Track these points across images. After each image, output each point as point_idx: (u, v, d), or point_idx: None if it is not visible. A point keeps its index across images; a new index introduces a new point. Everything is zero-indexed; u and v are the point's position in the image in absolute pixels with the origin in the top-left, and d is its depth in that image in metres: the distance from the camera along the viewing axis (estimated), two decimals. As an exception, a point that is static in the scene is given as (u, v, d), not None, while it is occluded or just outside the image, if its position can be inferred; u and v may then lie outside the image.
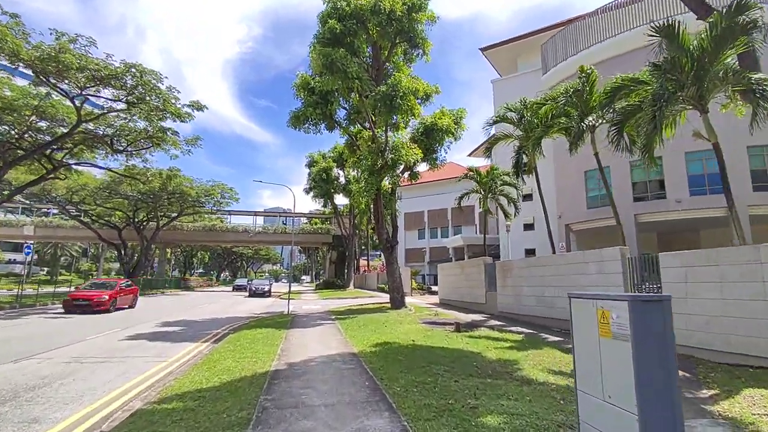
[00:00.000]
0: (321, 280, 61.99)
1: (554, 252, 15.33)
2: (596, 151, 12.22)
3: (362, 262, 54.21)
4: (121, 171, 26.77)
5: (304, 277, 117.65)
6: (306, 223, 61.77)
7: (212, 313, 19.11)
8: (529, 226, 36.93)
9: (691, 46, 8.40)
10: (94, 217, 41.07)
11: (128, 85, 18.71)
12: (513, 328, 11.81)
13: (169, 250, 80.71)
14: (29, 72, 18.07)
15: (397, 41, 17.66)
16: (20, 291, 20.71)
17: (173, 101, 20.07)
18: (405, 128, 18.27)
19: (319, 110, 17.43)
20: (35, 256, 79.91)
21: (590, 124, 11.03)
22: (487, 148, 16.07)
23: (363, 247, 54.57)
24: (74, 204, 38.08)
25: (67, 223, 44.80)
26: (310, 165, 42.63)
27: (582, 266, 11.12)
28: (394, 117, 16.26)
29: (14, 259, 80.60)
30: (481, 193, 22.03)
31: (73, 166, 25.13)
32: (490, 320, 13.90)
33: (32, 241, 69.13)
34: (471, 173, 21.85)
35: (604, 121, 11.73)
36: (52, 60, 15.43)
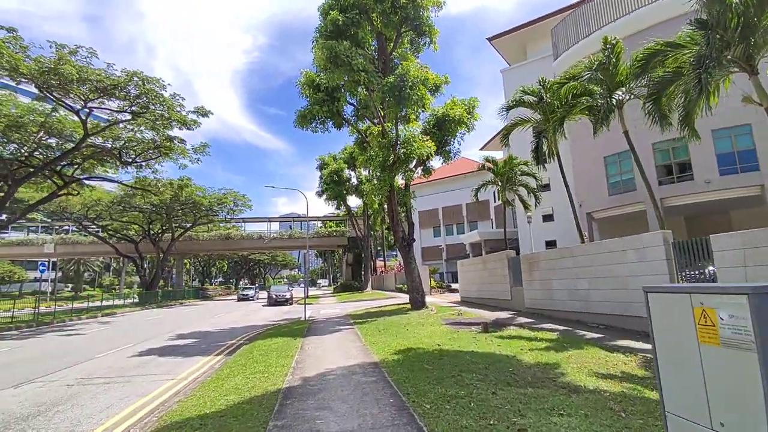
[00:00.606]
0: (338, 283, 61.57)
1: (583, 241, 14.34)
2: (625, 129, 11.23)
3: (379, 263, 53.58)
4: (131, 184, 26.62)
5: (320, 281, 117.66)
6: (321, 226, 61.46)
7: (228, 323, 18.63)
8: (547, 218, 35.82)
9: (734, 1, 7.45)
10: (110, 232, 41.34)
11: (132, 95, 18.38)
12: (545, 326, 10.93)
13: (187, 261, 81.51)
14: (33, 89, 17.94)
15: (403, 30, 16.93)
16: (37, 309, 20.59)
17: (178, 108, 19.69)
18: (416, 121, 17.50)
19: (325, 107, 16.79)
20: (60, 273, 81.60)
21: (619, 99, 10.05)
22: (504, 135, 15.17)
23: (378, 248, 53.94)
24: (91, 220, 38.35)
25: (85, 239, 45.28)
26: (321, 167, 42.16)
27: (619, 255, 10.18)
28: (404, 109, 15.51)
29: (39, 278, 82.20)
30: (498, 184, 21.09)
31: (84, 181, 25.04)
32: (518, 318, 13.02)
33: (51, 259, 70.37)
34: (488, 164, 20.94)
35: (632, 96, 10.76)
36: (52, 72, 15.15)
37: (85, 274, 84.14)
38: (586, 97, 11.94)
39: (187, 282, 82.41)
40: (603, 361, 6.79)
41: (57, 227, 51.19)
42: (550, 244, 31.17)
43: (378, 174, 16.29)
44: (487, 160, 21.10)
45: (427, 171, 19.55)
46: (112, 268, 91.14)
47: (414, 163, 16.77)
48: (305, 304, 19.44)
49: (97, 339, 14.46)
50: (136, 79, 17.43)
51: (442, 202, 62.87)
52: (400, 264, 53.31)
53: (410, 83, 14.49)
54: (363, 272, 46.89)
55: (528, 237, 32.12)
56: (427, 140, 15.88)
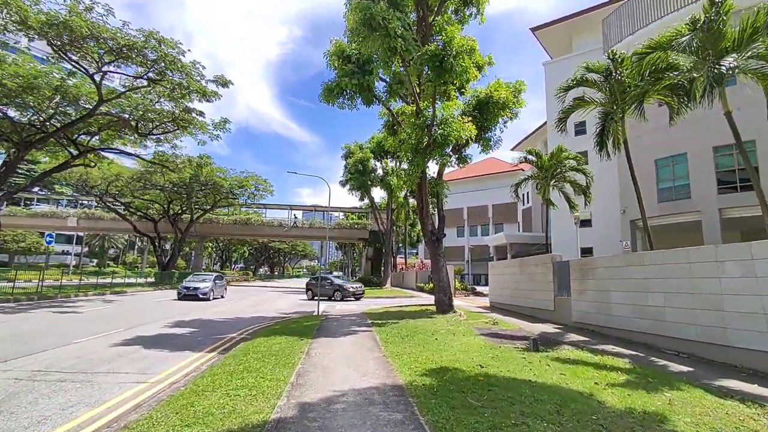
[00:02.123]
0: (356, 278, 60.10)
1: (652, 247, 12.10)
2: (728, 109, 8.97)
3: (399, 259, 51.75)
4: (149, 159, 25.60)
5: (336, 273, 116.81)
6: (342, 218, 60.00)
7: (235, 311, 17.19)
8: (584, 223, 33.37)
9: None
10: (132, 209, 40.92)
11: (149, 59, 17.05)
12: (606, 347, 8.86)
13: (210, 245, 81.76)
14: (49, 54, 16.85)
15: (447, -4, 14.96)
16: (41, 282, 19.72)
17: (197, 77, 18.27)
18: (457, 99, 15.52)
19: (355, 80, 14.94)
20: (86, 248, 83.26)
21: (730, 66, 7.85)
22: (561, 119, 13.02)
23: (400, 244, 52.09)
24: (112, 196, 37.90)
25: (107, 215, 45.08)
26: (346, 156, 40.53)
27: (711, 267, 8.01)
28: (444, 83, 13.54)
29: (67, 251, 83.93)
30: (541, 180, 18.86)
31: (101, 153, 24.11)
32: (567, 334, 10.95)
33: (77, 233, 71.55)
34: (530, 157, 18.73)
35: (737, 70, 8.48)
36: (61, 26, 13.89)
37: (110, 251, 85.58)
38: (670, 72, 9.71)
39: (208, 266, 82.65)
40: (722, 414, 4.77)
41: (81, 201, 51.48)
42: (586, 251, 28.76)
43: (409, 157, 14.40)
44: (529, 152, 18.89)
45: (463, 160, 17.59)
46: (136, 246, 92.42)
47: (450, 148, 14.80)
48: (319, 296, 17.81)
49: (90, 320, 13.17)
50: (153, 41, 16.05)
51: (467, 202, 60.58)
52: (421, 261, 51.39)
53: (454, 52, 12.52)
54: (383, 268, 45.16)
55: (562, 242, 29.72)
56: (468, 121, 13.91)
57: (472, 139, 14.62)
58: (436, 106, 14.24)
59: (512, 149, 58.70)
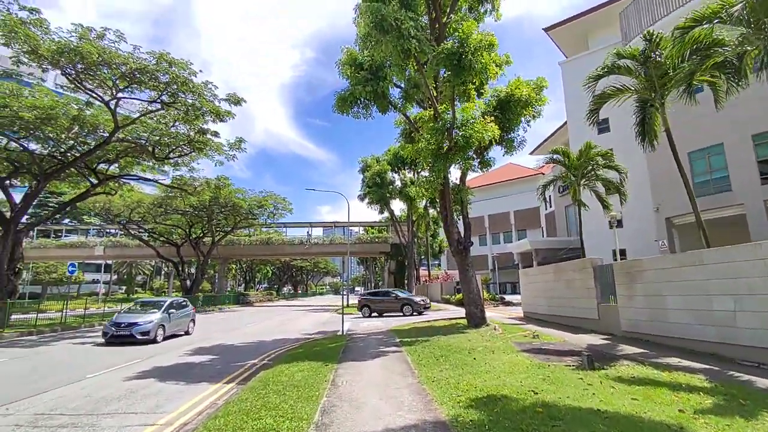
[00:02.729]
0: (380, 292, 59.08)
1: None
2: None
3: (422, 271, 50.61)
4: (167, 184, 25.62)
5: (357, 289, 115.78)
6: (362, 232, 59.44)
7: (258, 334, 16.55)
8: (616, 223, 31.87)
9: None
10: (155, 235, 41.29)
11: (161, 82, 16.95)
12: (669, 360, 7.77)
13: (234, 266, 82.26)
14: (66, 88, 16.94)
15: (461, -6, 14.35)
16: (64, 312, 19.61)
17: (210, 97, 18.08)
18: (477, 99, 14.75)
19: (369, 87, 14.38)
20: (115, 276, 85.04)
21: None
22: (592, 110, 12.06)
23: (422, 256, 50.99)
24: (136, 223, 38.33)
25: (132, 242, 45.65)
26: (363, 170, 40.07)
27: (793, 262, 6.91)
28: (463, 83, 12.81)
29: (97, 279, 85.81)
30: (570, 179, 17.78)
31: (122, 180, 24.22)
32: (619, 345, 9.84)
33: (105, 261, 72.92)
34: (557, 156, 17.72)
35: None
36: (72, 53, 13.86)
37: (138, 277, 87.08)
38: (717, 48, 8.73)
39: (233, 287, 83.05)
40: None
41: (108, 230, 52.46)
42: (620, 254, 27.33)
43: (430, 163, 13.64)
44: (555, 151, 17.85)
45: (486, 163, 16.72)
46: (162, 271, 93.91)
47: (473, 150, 13.97)
48: (342, 315, 17.05)
49: (108, 351, 12.71)
50: (164, 63, 15.93)
51: (488, 210, 59.31)
52: (445, 273, 50.10)
53: (472, 49, 11.81)
54: (406, 281, 44.13)
55: (593, 245, 28.24)
56: (491, 121, 13.11)
57: (495, 140, 13.79)
58: (456, 107, 13.49)
59: (531, 153, 57.23)
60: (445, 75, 13.41)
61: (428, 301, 24.68)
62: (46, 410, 6.32)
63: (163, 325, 14.46)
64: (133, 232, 39.25)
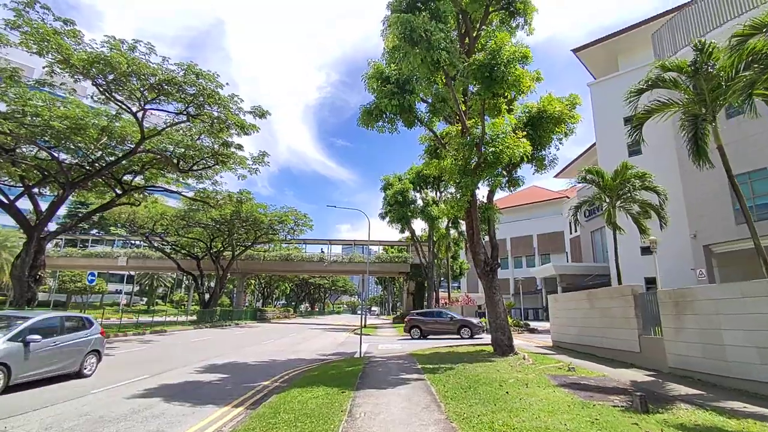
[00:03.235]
0: (398, 313, 57.92)
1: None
2: None
3: (441, 294, 49.34)
4: (190, 196, 25.74)
5: (374, 309, 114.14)
6: (382, 252, 58.71)
7: (272, 353, 15.94)
8: (646, 250, 30.41)
9: None
10: (177, 248, 41.64)
11: (188, 94, 17.04)
12: (733, 405, 6.76)
13: (253, 282, 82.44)
14: (92, 89, 17.24)
15: (492, 8, 13.97)
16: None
17: (235, 110, 18.07)
18: (509, 113, 14.15)
19: (395, 101, 13.99)
20: (137, 287, 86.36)
21: None
22: (635, 126, 11.28)
23: (442, 278, 49.77)
24: (158, 234, 38.76)
25: (154, 254, 46.13)
26: (384, 188, 39.69)
27: None
28: (494, 96, 12.29)
29: (120, 290, 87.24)
30: (605, 201, 16.83)
31: (146, 192, 24.43)
32: (667, 383, 8.80)
33: (128, 272, 74.12)
34: (590, 176, 16.84)
35: None
36: (102, 62, 14.03)
37: (159, 289, 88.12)
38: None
39: (252, 302, 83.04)
40: None
41: (132, 242, 53.34)
42: (650, 282, 25.90)
43: (457, 180, 13.02)
44: (588, 171, 16.97)
45: (515, 182, 16.02)
46: (183, 284, 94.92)
47: (502, 167, 13.31)
48: (360, 336, 16.32)
49: (118, 364, 12.32)
50: (191, 75, 16.01)
51: (510, 232, 57.92)
52: (467, 296, 48.69)
53: (504, 60, 11.32)
54: (425, 302, 42.99)
55: (623, 272, 26.85)
56: (521, 136, 12.49)
57: (527, 157, 13.10)
58: (485, 122, 12.93)
59: (556, 176, 55.98)
60: (475, 89, 12.94)
61: (484, 324, 23.42)
62: (41, 428, 5.83)
63: (5, 365, 7.78)
64: (156, 244, 39.65)
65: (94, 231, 67.62)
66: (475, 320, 23.10)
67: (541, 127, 14.59)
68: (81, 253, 49.93)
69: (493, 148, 12.14)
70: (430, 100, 15.06)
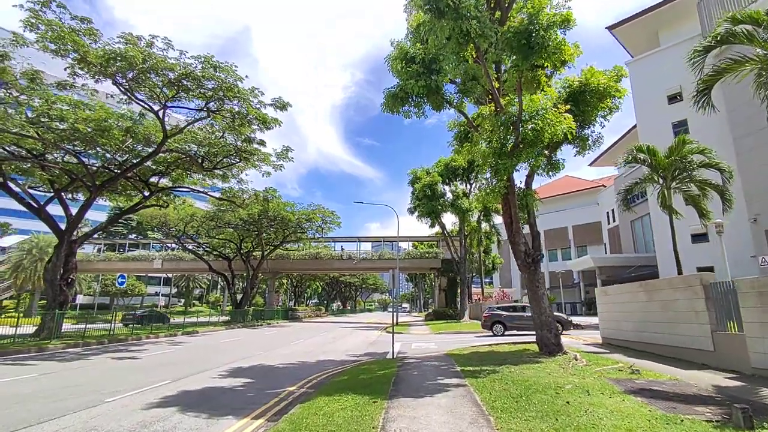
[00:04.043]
0: (430, 310, 56.74)
1: None
2: None
3: (474, 289, 47.78)
4: (216, 195, 25.58)
5: (404, 305, 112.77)
6: (412, 248, 57.62)
7: (301, 354, 15.27)
8: (698, 237, 28.05)
9: None
10: (208, 249, 42.07)
11: (208, 89, 16.57)
12: None
13: (285, 281, 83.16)
14: (113, 89, 17.05)
15: (525, -29, 12.66)
16: (113, 323, 19.49)
17: (256, 104, 17.50)
18: (550, 87, 12.84)
19: (422, 81, 12.92)
20: (175, 289, 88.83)
21: None
22: (701, 91, 9.77)
23: (474, 274, 48.15)
24: (190, 236, 39.20)
25: (187, 256, 46.90)
26: (412, 182, 38.63)
27: None
28: (533, 68, 11.04)
29: (159, 292, 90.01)
30: (658, 182, 15.18)
31: (174, 193, 24.39)
32: (757, 387, 7.42)
33: (164, 275, 76.10)
34: (640, 155, 15.23)
35: None
36: (118, 58, 13.69)
37: (196, 291, 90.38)
38: None
39: (285, 302, 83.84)
40: None
41: (167, 245, 54.60)
42: (704, 271, 23.85)
43: (492, 162, 11.85)
44: (639, 149, 15.34)
45: (555, 165, 14.53)
46: (219, 285, 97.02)
47: (542, 148, 12.01)
48: (393, 335, 15.40)
49: (143, 368, 11.90)
50: (209, 68, 15.51)
51: (544, 225, 55.48)
52: (502, 291, 46.99)
53: (543, 25, 10.08)
54: (458, 299, 41.67)
55: (671, 262, 24.73)
56: (563, 110, 11.21)
57: (571, 134, 11.72)
58: (523, 98, 11.69)
59: (590, 165, 53.31)
60: (511, 61, 11.70)
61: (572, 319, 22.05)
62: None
63: None
64: (189, 247, 40.16)
65: (133, 236, 69.94)
66: (563, 315, 21.78)
67: (584, 103, 13.17)
68: (119, 257, 51.43)
69: (534, 125, 10.92)
70: (459, 80, 13.90)
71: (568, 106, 11.71)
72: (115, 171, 20.11)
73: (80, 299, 59.60)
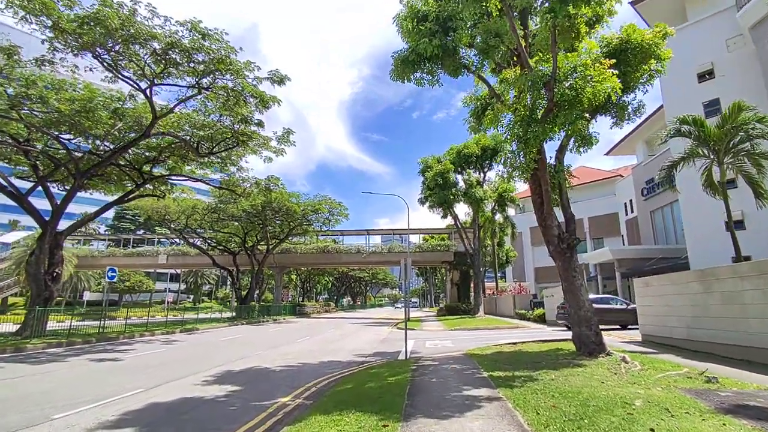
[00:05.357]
0: (442, 305, 55.02)
1: None
2: None
3: (487, 284, 45.92)
4: (215, 185, 24.13)
5: (414, 300, 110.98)
6: (422, 242, 55.90)
7: (304, 354, 13.71)
8: (734, 225, 25.85)
9: None
10: (212, 243, 40.82)
11: (198, 62, 15.00)
12: None
13: (294, 276, 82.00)
14: (96, 65, 15.55)
15: None
16: (103, 321, 18.19)
17: (252, 80, 15.90)
18: (589, 38, 11.04)
19: (436, 41, 11.17)
20: (183, 285, 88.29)
21: None
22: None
23: (487, 267, 46.24)
24: (193, 230, 37.96)
25: (192, 251, 45.77)
26: (423, 171, 36.91)
27: None
28: (568, 16, 9.23)
29: (168, 288, 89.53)
30: (708, 156, 13.27)
31: (168, 180, 22.96)
32: None
33: (172, 270, 75.34)
34: (685, 127, 13.32)
35: None
36: (92, 22, 12.16)
37: (205, 286, 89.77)
38: None
39: (294, 297, 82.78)
40: None
41: (172, 240, 53.58)
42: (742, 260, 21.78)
43: (520, 132, 10.09)
44: (683, 121, 13.44)
45: (587, 140, 12.70)
46: (228, 281, 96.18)
47: (580, 110, 10.16)
48: (405, 332, 13.76)
49: (122, 371, 10.44)
50: (197, 36, 13.92)
51: (558, 215, 53.46)
52: (519, 284, 45.15)
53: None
54: (472, 293, 39.92)
55: (703, 252, 22.67)
56: (609, 67, 9.42)
57: (615, 95, 9.90)
58: (557, 54, 9.88)
59: (606, 154, 50.96)
60: (544, 8, 9.89)
61: None
62: None
63: None
64: (192, 241, 38.94)
65: (141, 231, 69.28)
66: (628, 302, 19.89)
67: (625, 63, 11.30)
68: (123, 252, 50.54)
69: (572, 83, 9.16)
70: (479, 39, 12.09)
71: (614, 61, 9.91)
72: (101, 156, 18.69)
73: (87, 296, 58.93)
